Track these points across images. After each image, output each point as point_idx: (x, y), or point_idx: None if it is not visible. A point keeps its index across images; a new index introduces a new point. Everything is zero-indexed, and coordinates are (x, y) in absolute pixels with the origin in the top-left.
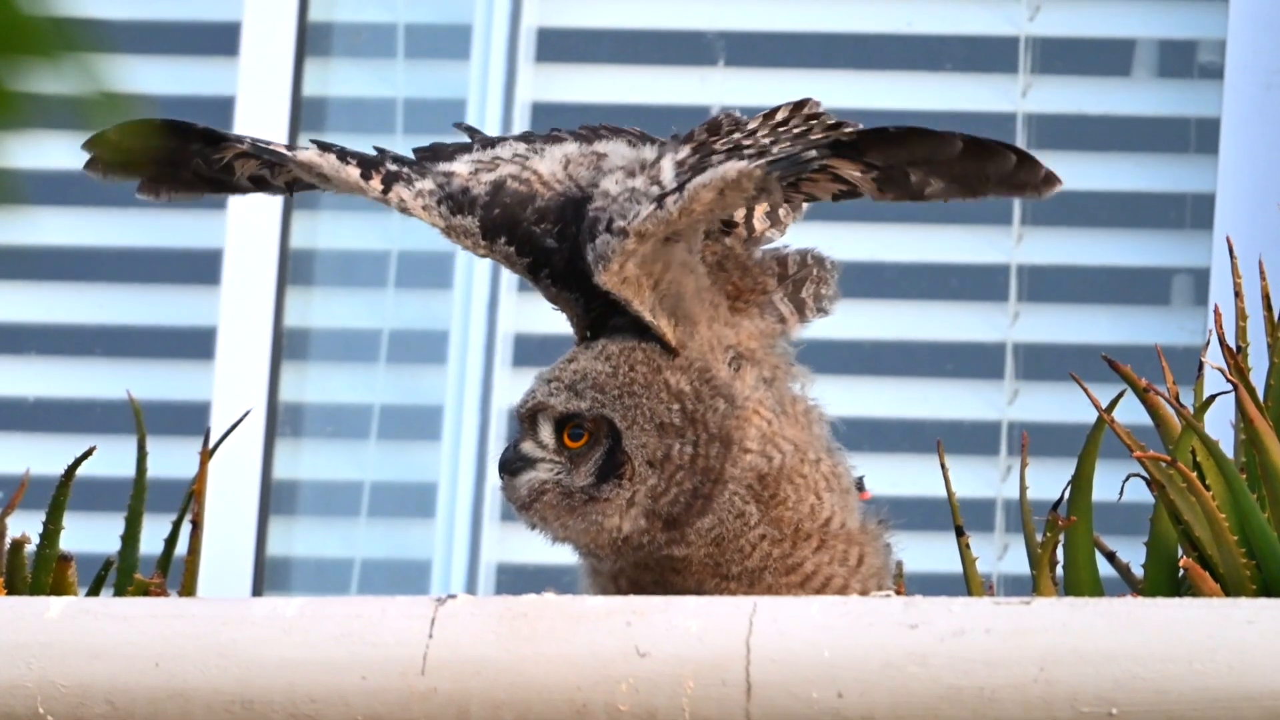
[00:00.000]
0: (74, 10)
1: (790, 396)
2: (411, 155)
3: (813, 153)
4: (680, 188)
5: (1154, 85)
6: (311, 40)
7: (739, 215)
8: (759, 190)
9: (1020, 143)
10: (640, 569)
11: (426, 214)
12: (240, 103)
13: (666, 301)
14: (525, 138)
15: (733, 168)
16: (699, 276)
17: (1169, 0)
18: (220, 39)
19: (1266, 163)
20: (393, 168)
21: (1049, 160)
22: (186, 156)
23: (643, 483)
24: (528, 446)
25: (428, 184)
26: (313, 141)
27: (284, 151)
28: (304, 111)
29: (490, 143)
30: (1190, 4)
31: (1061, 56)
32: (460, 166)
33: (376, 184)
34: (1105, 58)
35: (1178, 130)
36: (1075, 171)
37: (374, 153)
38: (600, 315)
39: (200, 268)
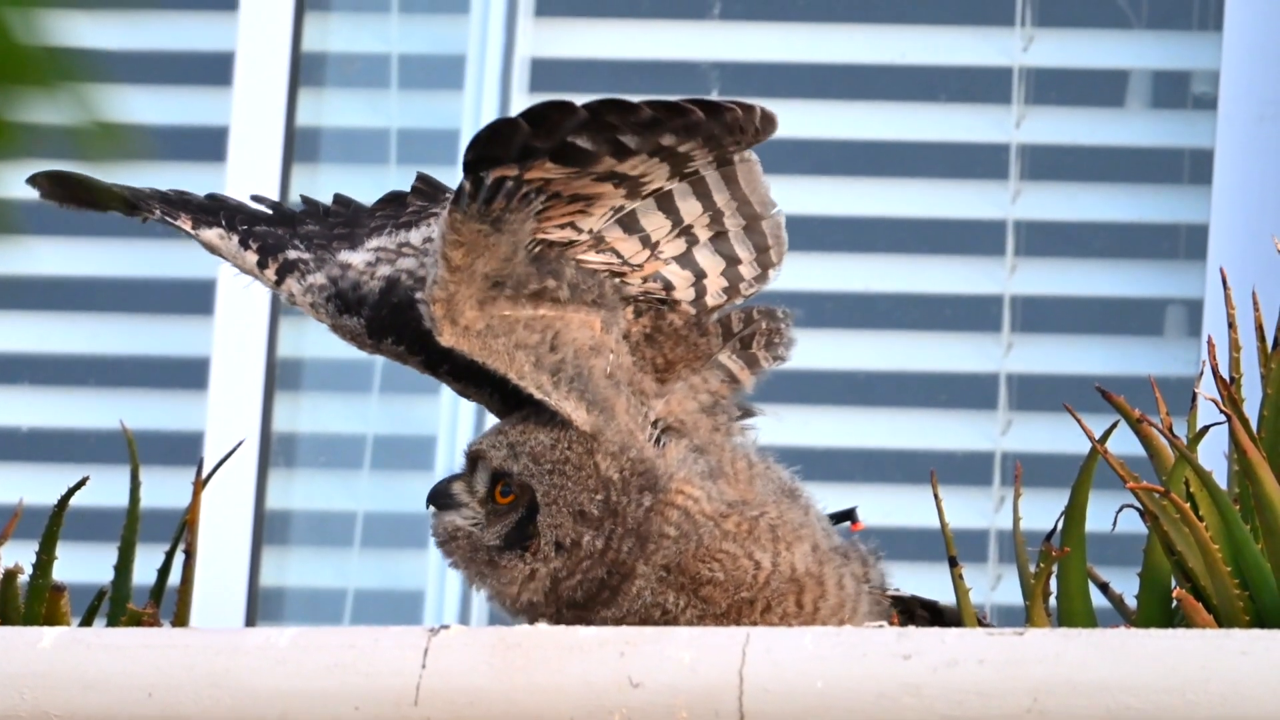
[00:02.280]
0: (68, 40)
1: (732, 456)
2: (328, 215)
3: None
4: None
5: (1148, 116)
6: (305, 70)
7: (681, 290)
8: (489, 227)
9: (1014, 173)
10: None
11: (313, 311)
12: (234, 132)
13: (573, 383)
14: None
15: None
16: (615, 354)
17: (1163, 31)
18: (214, 69)
19: (1260, 194)
20: (292, 256)
21: (1041, 191)
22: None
23: (545, 562)
24: (458, 488)
25: (319, 278)
26: (223, 214)
27: (188, 229)
28: (297, 141)
29: (416, 219)
30: (1184, 35)
31: (1055, 87)
32: (360, 257)
33: (271, 274)
34: (1099, 89)
35: (1172, 161)
36: (1069, 202)
37: (287, 218)
38: (516, 404)
39: (194, 298)
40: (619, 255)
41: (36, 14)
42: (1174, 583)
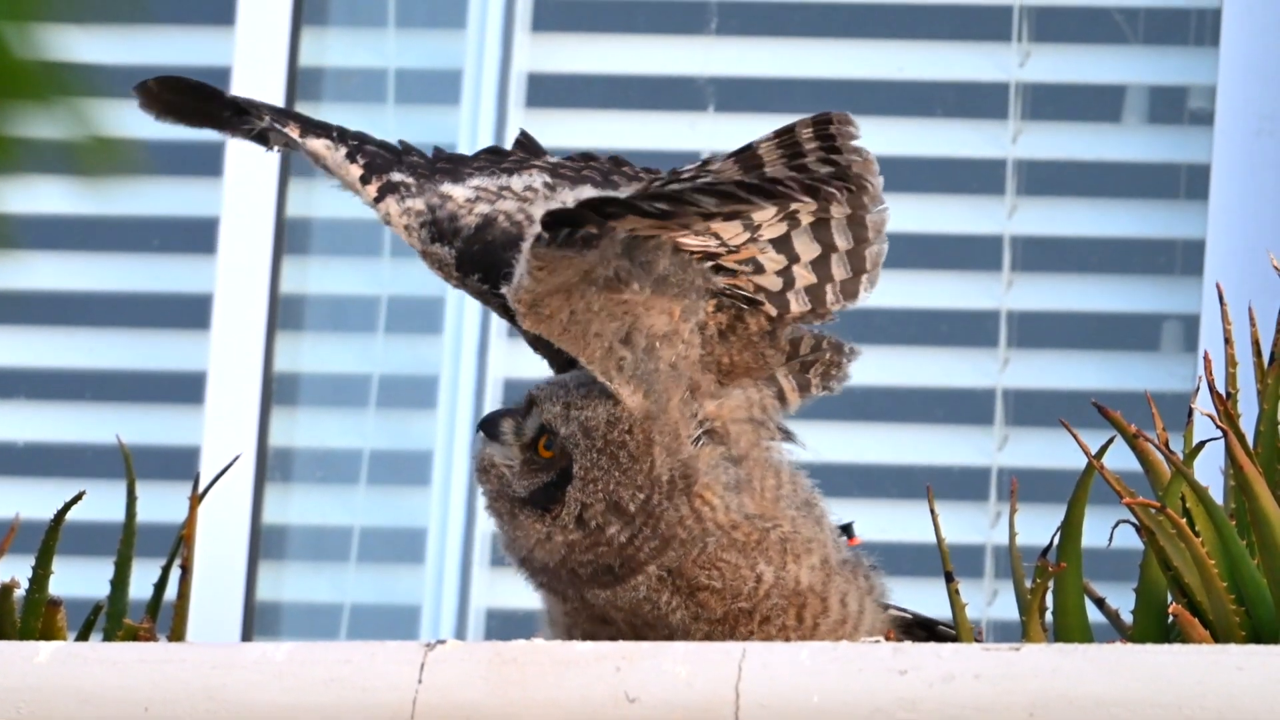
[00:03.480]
0: (63, 54)
1: (763, 472)
2: (431, 157)
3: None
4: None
5: (1144, 131)
6: (302, 84)
7: (769, 278)
8: (573, 253)
9: (1010, 188)
10: (595, 623)
11: (406, 234)
12: (230, 146)
13: (638, 373)
14: (554, 170)
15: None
16: (686, 345)
17: (1160, 46)
18: (210, 83)
19: (1257, 209)
20: (396, 178)
21: (1037, 206)
22: (217, 117)
23: (563, 532)
24: (506, 425)
25: (419, 203)
26: (334, 129)
27: (296, 136)
28: (294, 155)
29: (517, 167)
30: (1181, 50)
31: (1052, 102)
32: (461, 191)
33: (372, 190)
34: (1096, 104)
35: (1168, 176)
36: (1065, 217)
37: (393, 149)
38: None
39: (190, 312)
40: (719, 238)
41: (31, 28)
42: (1170, 598)
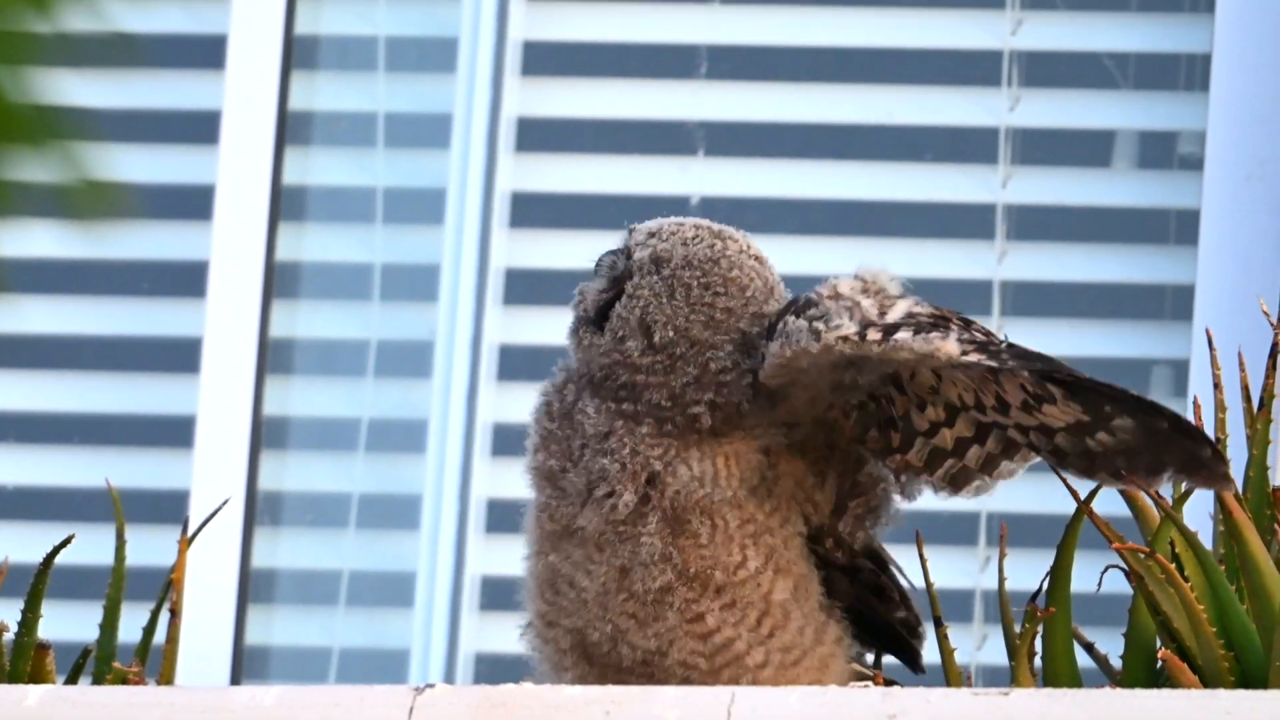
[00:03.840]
0: (56, 98)
1: (779, 504)
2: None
3: (1024, 372)
4: (889, 331)
5: (1134, 176)
6: (291, 128)
7: (918, 424)
8: (953, 367)
9: (1000, 232)
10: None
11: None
12: (220, 191)
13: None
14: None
15: (943, 350)
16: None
17: (1149, 92)
18: (200, 127)
19: (1246, 254)
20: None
21: (1027, 251)
22: None
23: (597, 340)
24: (605, 260)
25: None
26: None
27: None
28: (284, 199)
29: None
30: (1171, 95)
31: (1042, 147)
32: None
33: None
34: (1086, 149)
35: (1158, 221)
36: (1055, 262)
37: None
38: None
39: (179, 356)
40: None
41: (24, 72)
42: (1159, 643)
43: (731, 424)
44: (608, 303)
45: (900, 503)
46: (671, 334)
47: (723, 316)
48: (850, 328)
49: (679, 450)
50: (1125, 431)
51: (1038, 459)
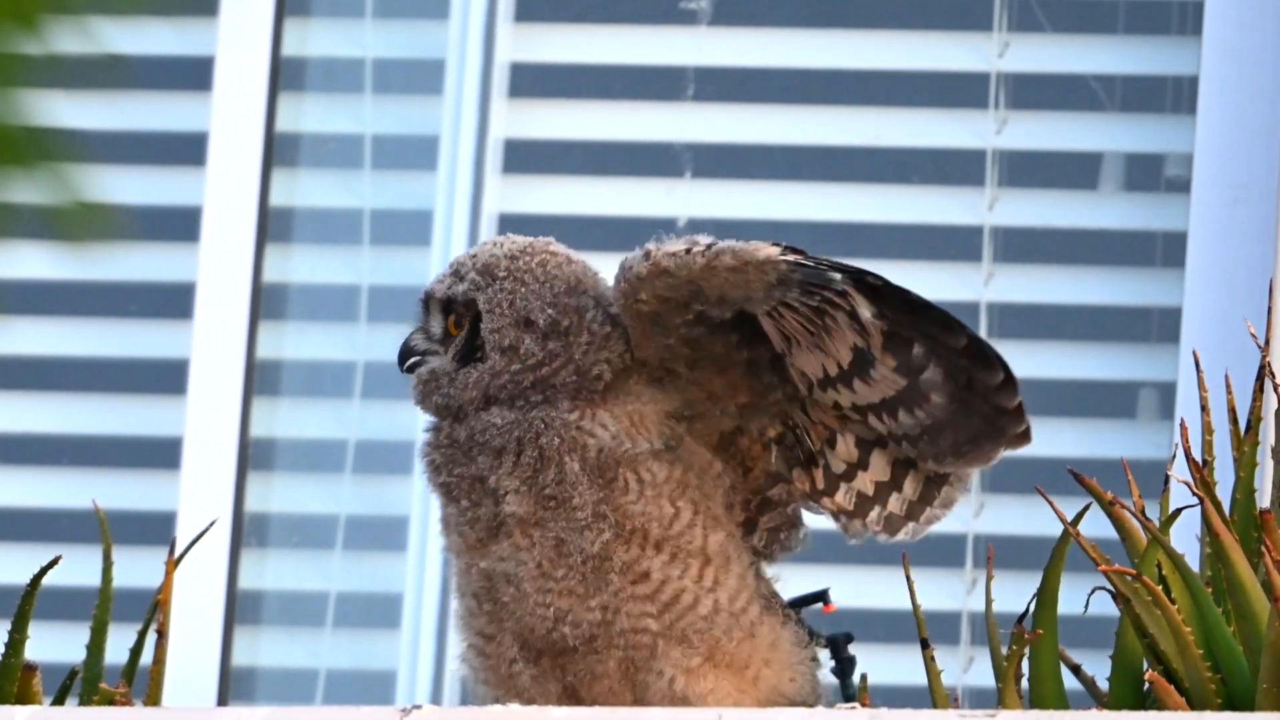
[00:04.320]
0: (46, 119)
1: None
2: None
3: (837, 275)
4: (711, 246)
5: (1121, 199)
6: (279, 150)
7: (834, 466)
8: (779, 284)
9: (987, 255)
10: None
11: None
12: (207, 212)
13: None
14: None
15: (763, 250)
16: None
17: (1136, 114)
18: (187, 149)
19: (1233, 277)
20: None
21: (1013, 273)
22: None
23: (488, 369)
24: (416, 339)
25: None
26: None
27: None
28: (271, 220)
29: None
30: (1158, 118)
31: (1028, 170)
32: None
33: None
34: (1072, 171)
35: (1144, 244)
36: (1041, 285)
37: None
38: None
39: (166, 378)
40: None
41: (13, 93)
42: (1146, 665)
43: (626, 384)
44: (466, 339)
45: (807, 528)
46: (551, 312)
47: (575, 281)
48: (678, 245)
49: (592, 413)
50: (938, 409)
51: (960, 500)
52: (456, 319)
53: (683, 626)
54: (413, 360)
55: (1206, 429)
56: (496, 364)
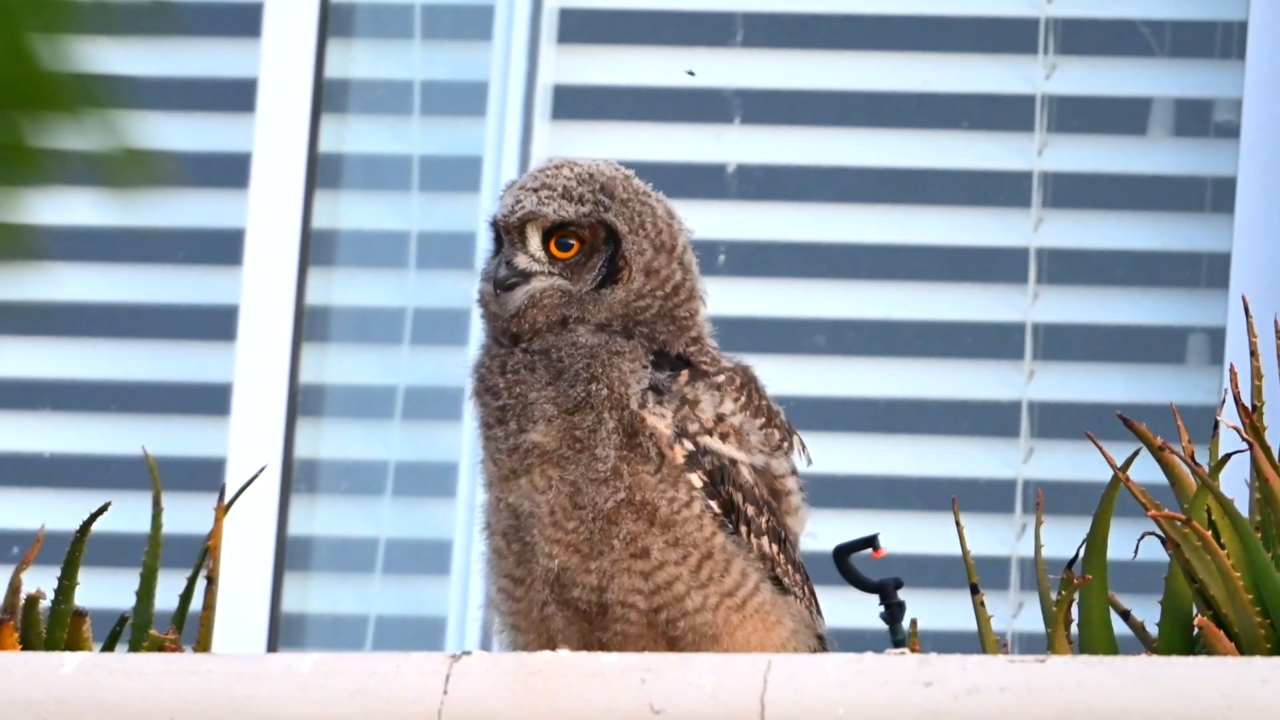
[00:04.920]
0: (94, 66)
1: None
2: None
3: None
4: None
5: (1170, 144)
6: (327, 96)
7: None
8: None
9: (1036, 201)
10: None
11: None
12: (256, 159)
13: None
14: None
15: None
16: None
17: (1185, 59)
18: (236, 95)
19: None
20: None
21: (1063, 219)
22: None
23: (627, 285)
24: (522, 260)
25: None
26: None
27: None
28: (320, 167)
29: None
30: (1207, 63)
31: (1078, 115)
32: None
33: None
34: (1121, 116)
35: (1194, 189)
36: (1091, 230)
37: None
38: None
39: (216, 323)
40: None
41: (63, 41)
42: (1195, 610)
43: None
44: (606, 262)
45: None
46: (681, 237)
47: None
48: None
49: (644, 373)
50: None
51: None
52: (562, 241)
53: (668, 614)
54: (513, 281)
55: (1256, 374)
56: (642, 285)
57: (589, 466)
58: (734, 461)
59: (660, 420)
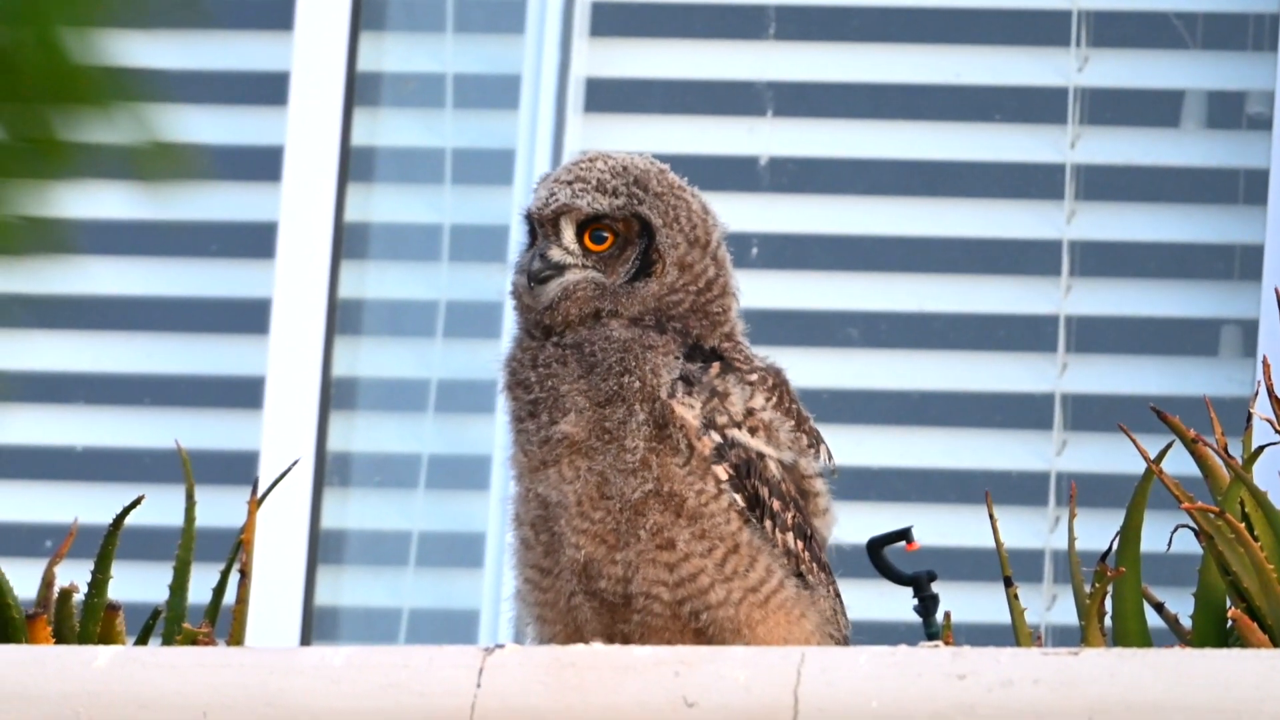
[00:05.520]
0: (126, 60)
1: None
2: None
3: None
4: None
5: (1203, 136)
6: (360, 89)
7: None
8: None
9: (1069, 193)
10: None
11: None
12: (289, 152)
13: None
14: None
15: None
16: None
17: (1218, 52)
18: (269, 88)
19: None
20: None
21: (1096, 211)
22: None
23: (661, 279)
24: (556, 254)
25: None
26: None
27: None
28: (352, 160)
29: None
30: (1240, 56)
31: (1110, 107)
32: None
33: None
34: (1154, 109)
35: (1226, 181)
36: (1123, 222)
37: None
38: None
39: (249, 317)
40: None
41: (94, 35)
42: (1229, 603)
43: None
44: (641, 254)
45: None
46: (716, 232)
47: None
48: None
49: (676, 364)
50: None
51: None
52: (596, 234)
53: (692, 606)
54: (546, 274)
55: None
56: (676, 280)
57: (617, 457)
58: (761, 456)
59: (688, 410)
